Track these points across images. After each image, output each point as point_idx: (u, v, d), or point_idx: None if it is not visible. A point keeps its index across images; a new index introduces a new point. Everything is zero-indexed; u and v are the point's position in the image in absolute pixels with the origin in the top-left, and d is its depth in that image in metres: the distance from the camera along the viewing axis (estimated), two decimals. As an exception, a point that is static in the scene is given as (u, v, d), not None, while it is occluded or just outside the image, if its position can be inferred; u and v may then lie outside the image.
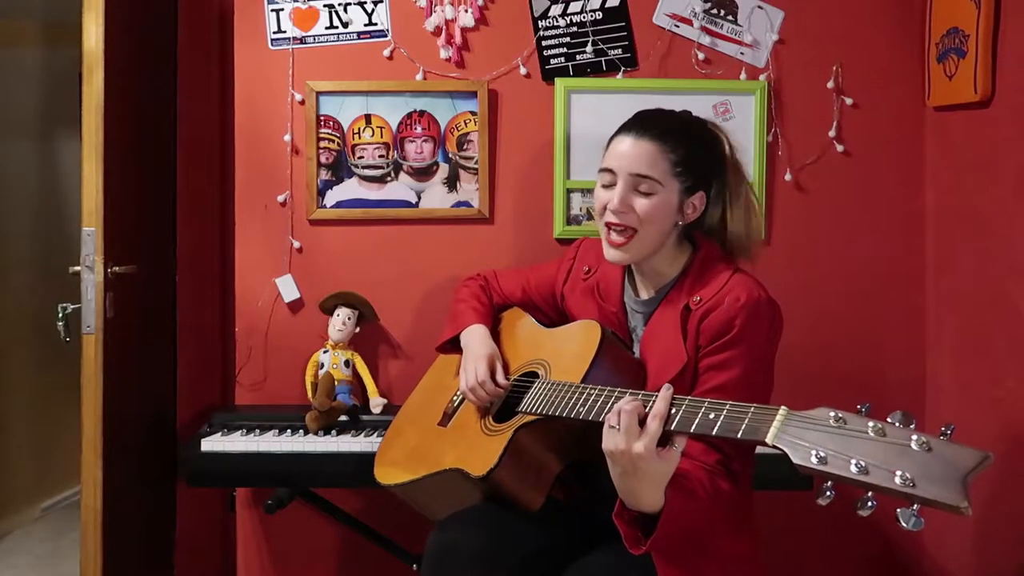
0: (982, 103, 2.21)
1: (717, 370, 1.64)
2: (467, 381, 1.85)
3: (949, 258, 2.45)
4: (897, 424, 1.16)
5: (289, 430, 2.28)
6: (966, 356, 2.36)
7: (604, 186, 1.74)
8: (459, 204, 2.53)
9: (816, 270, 2.54)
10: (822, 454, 1.16)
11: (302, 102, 2.49)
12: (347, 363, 2.43)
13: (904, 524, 1.10)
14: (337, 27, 2.50)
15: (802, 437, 1.21)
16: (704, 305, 1.68)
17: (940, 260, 2.49)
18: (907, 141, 2.53)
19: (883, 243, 2.54)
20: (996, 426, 2.19)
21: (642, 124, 1.74)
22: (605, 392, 1.54)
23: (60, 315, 2.39)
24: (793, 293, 2.42)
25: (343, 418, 2.33)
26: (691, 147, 1.74)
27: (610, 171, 1.73)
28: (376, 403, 2.41)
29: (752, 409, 1.31)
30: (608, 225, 1.73)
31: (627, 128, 1.75)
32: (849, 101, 2.51)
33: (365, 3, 2.50)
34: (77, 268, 2.29)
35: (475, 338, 1.95)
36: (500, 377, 1.85)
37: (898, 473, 1.10)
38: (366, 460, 2.03)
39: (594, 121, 2.48)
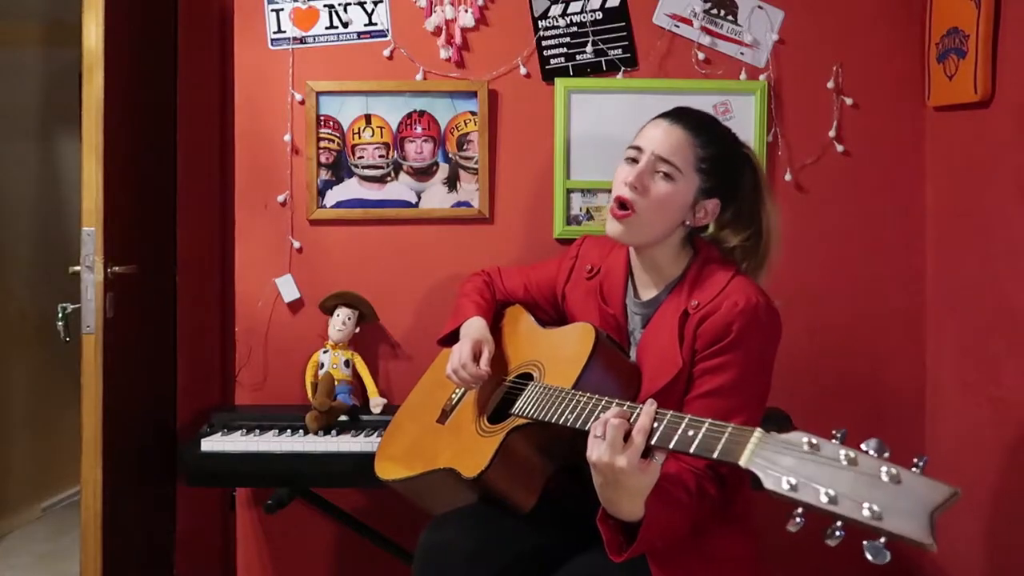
0: (982, 103, 2.21)
1: (712, 374, 1.64)
2: (451, 363, 1.86)
3: (949, 258, 2.45)
4: (871, 453, 1.14)
5: (289, 430, 2.28)
6: (966, 356, 2.36)
7: (628, 160, 1.75)
8: (459, 204, 2.53)
9: (816, 270, 2.54)
10: (793, 481, 1.15)
11: (302, 102, 2.49)
12: (347, 363, 2.43)
13: (870, 556, 1.08)
14: (337, 27, 2.51)
15: (775, 461, 1.19)
16: (702, 310, 1.68)
17: (940, 260, 2.49)
18: (907, 141, 2.53)
19: (883, 243, 2.54)
20: (996, 426, 2.19)
21: (681, 113, 1.77)
22: (593, 400, 1.55)
23: (60, 315, 2.39)
24: (793, 293, 2.42)
25: (343, 418, 2.33)
26: (722, 152, 1.75)
27: (637, 148, 1.74)
28: (376, 403, 2.41)
29: (729, 429, 1.30)
30: (618, 199, 1.73)
31: (666, 114, 1.77)
32: (849, 101, 2.51)
33: (365, 3, 2.50)
34: (77, 268, 2.30)
35: (471, 328, 1.95)
36: (483, 361, 1.85)
37: (866, 505, 1.08)
38: (366, 460, 2.03)
39: (594, 121, 2.49)
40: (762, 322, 1.66)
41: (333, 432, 2.27)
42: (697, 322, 1.67)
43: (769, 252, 1.80)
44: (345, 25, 2.50)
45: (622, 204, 1.72)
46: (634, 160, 1.74)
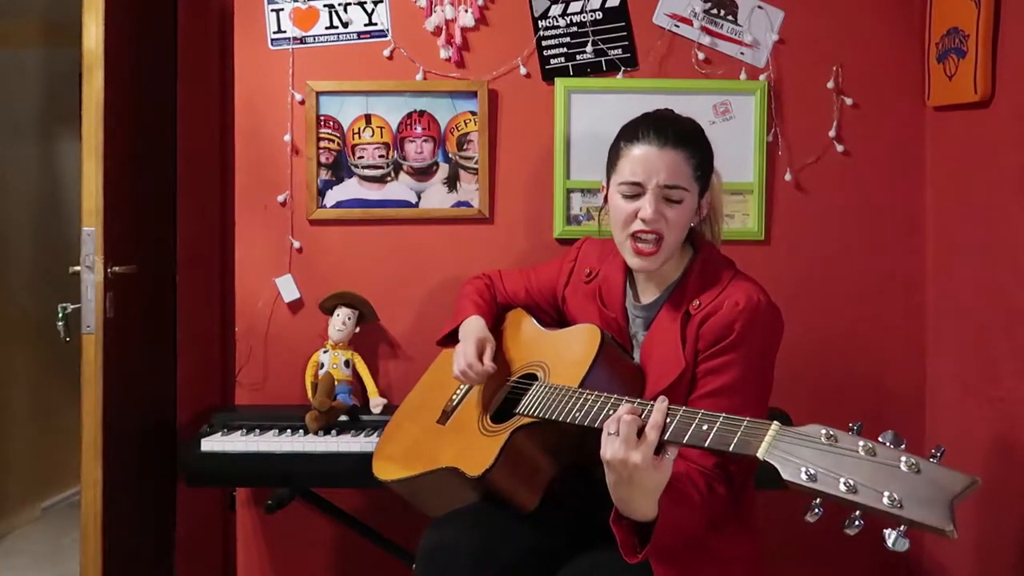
0: (982, 103, 2.21)
1: (715, 374, 1.64)
2: (458, 364, 1.87)
3: (949, 258, 2.45)
4: (888, 444, 1.16)
5: (289, 430, 2.28)
6: (966, 356, 2.36)
7: (627, 197, 1.71)
8: (459, 204, 2.53)
9: (816, 270, 2.54)
10: (812, 471, 1.17)
11: (302, 102, 2.49)
12: (347, 363, 2.43)
13: (890, 544, 1.10)
14: (337, 27, 2.51)
15: (793, 453, 1.21)
16: (704, 310, 1.68)
17: (940, 260, 2.49)
18: (907, 141, 2.53)
19: (883, 243, 2.55)
20: (996, 426, 2.19)
21: (661, 132, 1.71)
22: (602, 398, 1.55)
23: (60, 315, 2.39)
24: (793, 293, 2.43)
25: (343, 418, 2.33)
26: (704, 149, 1.76)
27: (636, 184, 1.70)
28: (376, 403, 2.41)
29: (745, 423, 1.31)
30: (637, 235, 1.71)
31: (645, 136, 1.71)
32: (849, 101, 2.51)
33: (365, 3, 2.50)
34: (77, 268, 2.29)
35: (470, 327, 1.96)
36: (487, 358, 1.86)
37: (886, 494, 1.10)
38: (366, 460, 2.03)
39: (594, 121, 2.49)
40: (763, 320, 1.66)
41: (333, 432, 2.27)
42: (699, 322, 1.68)
43: (720, 216, 1.86)
44: (345, 25, 2.50)
45: (651, 236, 1.70)
46: (635, 196, 1.71)
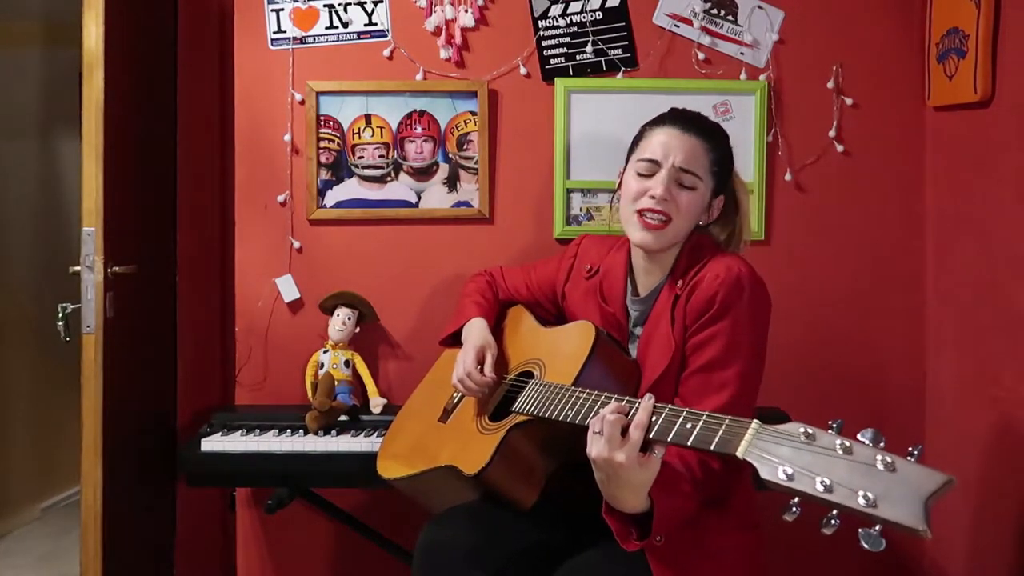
0: (982, 103, 2.21)
1: (701, 349, 1.65)
2: (456, 372, 1.87)
3: (949, 258, 2.45)
4: (866, 442, 1.15)
5: (289, 430, 2.28)
6: (966, 356, 2.36)
7: (641, 175, 1.74)
8: (459, 204, 2.53)
9: (816, 270, 2.54)
10: (789, 470, 1.16)
11: (302, 102, 2.49)
12: (347, 363, 2.43)
13: (865, 544, 1.09)
14: (337, 27, 2.51)
15: (772, 452, 1.21)
16: (687, 288, 1.70)
17: (940, 260, 2.49)
18: (907, 141, 2.53)
19: (883, 243, 2.55)
20: (996, 426, 2.19)
21: (685, 120, 1.77)
22: (592, 396, 1.55)
23: (60, 315, 2.39)
24: (793, 293, 2.43)
25: (343, 418, 2.33)
26: (724, 150, 1.79)
27: (654, 162, 1.73)
28: (376, 403, 2.41)
29: (727, 421, 1.31)
30: (644, 211, 1.73)
31: (670, 121, 1.77)
32: (849, 101, 2.51)
33: (365, 3, 2.50)
34: (77, 268, 2.29)
35: (472, 331, 1.97)
36: (488, 368, 1.87)
37: (860, 493, 1.10)
38: (366, 460, 2.03)
39: (594, 121, 2.49)
40: (745, 290, 1.66)
41: (333, 432, 2.27)
42: (684, 300, 1.69)
43: (744, 230, 1.86)
44: (345, 25, 2.50)
45: (658, 216, 1.72)
46: (649, 174, 1.74)
